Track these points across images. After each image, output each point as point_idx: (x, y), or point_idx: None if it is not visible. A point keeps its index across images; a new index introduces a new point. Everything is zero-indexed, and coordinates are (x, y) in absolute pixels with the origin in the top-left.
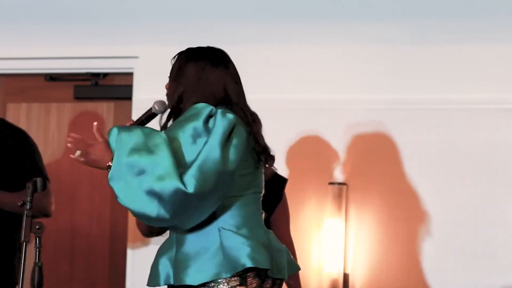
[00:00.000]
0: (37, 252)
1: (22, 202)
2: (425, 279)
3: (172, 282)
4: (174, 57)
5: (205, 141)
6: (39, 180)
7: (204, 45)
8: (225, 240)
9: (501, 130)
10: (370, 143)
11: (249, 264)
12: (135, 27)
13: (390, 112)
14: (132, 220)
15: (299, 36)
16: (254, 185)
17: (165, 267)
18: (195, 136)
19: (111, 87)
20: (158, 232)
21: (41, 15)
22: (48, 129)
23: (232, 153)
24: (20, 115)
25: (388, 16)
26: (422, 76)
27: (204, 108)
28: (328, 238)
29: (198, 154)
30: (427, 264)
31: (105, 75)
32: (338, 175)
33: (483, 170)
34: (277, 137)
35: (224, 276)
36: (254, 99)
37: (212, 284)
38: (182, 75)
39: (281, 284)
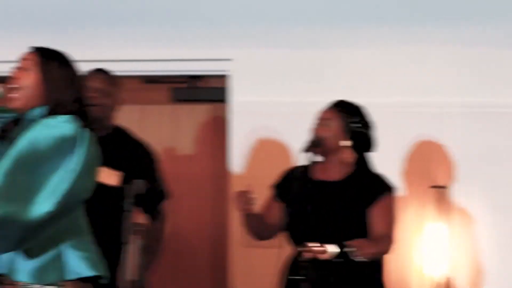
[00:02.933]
0: (140, 253)
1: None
2: None
3: None
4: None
5: None
6: (138, 182)
7: (305, 48)
8: None
9: None
10: (475, 146)
11: None
12: (230, 30)
13: (498, 116)
14: (232, 222)
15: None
16: None
17: None
18: None
19: (207, 89)
20: (269, 236)
21: (138, 18)
22: (146, 132)
23: None
24: (117, 117)
25: None
26: None
27: None
28: (430, 242)
29: None
30: None
31: (201, 77)
32: (440, 178)
33: None
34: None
35: None
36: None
37: None
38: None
39: None
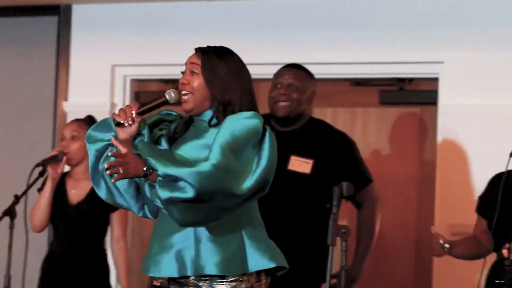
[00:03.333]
0: (344, 255)
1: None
2: None
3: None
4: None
5: None
6: (345, 184)
7: None
8: None
9: None
10: None
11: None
12: (441, 33)
13: None
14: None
15: None
16: None
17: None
18: None
19: (416, 92)
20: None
21: (350, 22)
22: (354, 134)
23: None
24: (326, 120)
25: None
26: None
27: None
28: None
29: None
30: None
31: (410, 80)
32: None
33: None
34: None
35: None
36: None
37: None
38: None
39: None
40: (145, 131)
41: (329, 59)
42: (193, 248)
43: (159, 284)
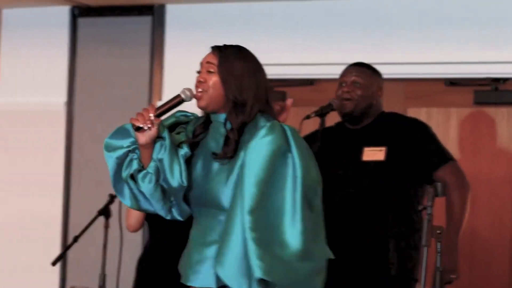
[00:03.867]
0: (439, 256)
1: (422, 207)
2: None
3: None
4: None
5: None
6: (439, 185)
7: None
8: None
9: None
10: None
11: None
12: None
13: None
14: None
15: None
16: None
17: None
18: None
19: (510, 92)
20: None
21: (446, 21)
22: (448, 134)
23: None
24: (420, 117)
25: None
26: None
27: None
28: None
29: None
30: None
31: (505, 80)
32: None
33: None
34: None
35: None
36: None
37: None
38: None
39: None
40: (165, 134)
41: (423, 59)
42: None
43: None
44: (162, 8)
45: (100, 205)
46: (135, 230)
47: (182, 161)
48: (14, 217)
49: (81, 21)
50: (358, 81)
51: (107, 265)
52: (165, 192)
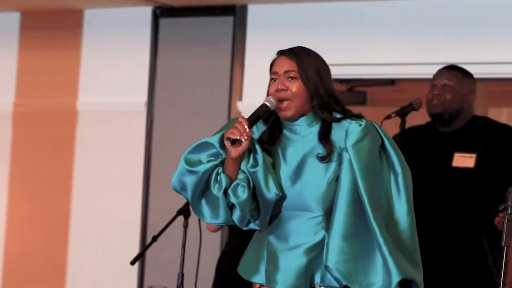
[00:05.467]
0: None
1: (503, 206)
2: None
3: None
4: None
5: None
6: None
7: None
8: None
9: None
10: None
11: None
12: None
13: None
14: None
15: None
16: None
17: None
18: None
19: None
20: None
21: None
22: None
23: None
24: (501, 120)
25: None
26: None
27: None
28: None
29: None
30: None
31: None
32: None
33: None
34: None
35: None
36: None
37: None
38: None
39: None
40: (257, 146)
41: (505, 59)
42: (322, 258)
43: None
44: (244, 8)
45: (180, 204)
46: (215, 231)
47: (273, 171)
48: (94, 217)
49: (163, 21)
50: (448, 84)
51: (186, 265)
52: (251, 203)
